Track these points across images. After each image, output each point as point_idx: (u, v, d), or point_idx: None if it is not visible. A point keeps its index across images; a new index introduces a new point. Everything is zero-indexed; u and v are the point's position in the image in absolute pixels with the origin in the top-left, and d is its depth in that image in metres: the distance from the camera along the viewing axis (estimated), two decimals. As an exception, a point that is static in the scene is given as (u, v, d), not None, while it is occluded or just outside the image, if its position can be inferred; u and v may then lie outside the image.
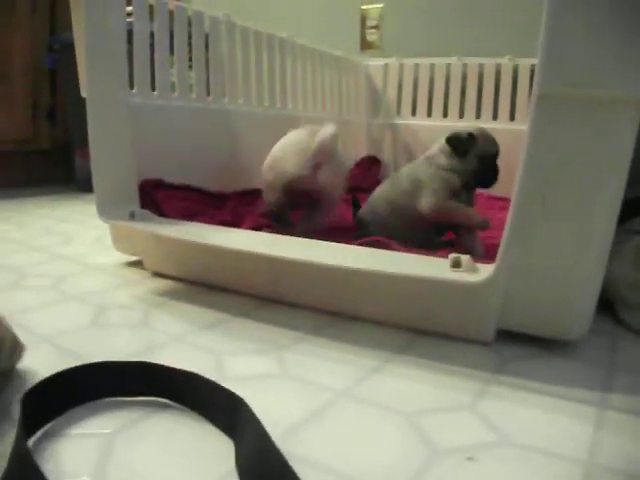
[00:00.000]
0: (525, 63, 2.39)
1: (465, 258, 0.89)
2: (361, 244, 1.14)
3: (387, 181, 1.48)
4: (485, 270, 0.87)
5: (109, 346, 0.91)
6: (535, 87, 0.78)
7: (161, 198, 1.38)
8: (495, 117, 2.47)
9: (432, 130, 2.51)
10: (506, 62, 2.42)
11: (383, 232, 1.31)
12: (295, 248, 1.03)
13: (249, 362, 0.86)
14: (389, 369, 0.85)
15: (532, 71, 2.37)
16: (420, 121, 2.59)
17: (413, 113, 2.62)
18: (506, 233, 0.85)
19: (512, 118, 2.43)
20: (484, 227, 1.26)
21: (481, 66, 2.47)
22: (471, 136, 1.29)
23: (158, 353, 0.89)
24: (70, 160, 2.88)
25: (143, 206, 1.29)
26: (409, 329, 1.00)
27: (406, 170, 1.41)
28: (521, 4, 2.48)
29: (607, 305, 1.07)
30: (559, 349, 0.92)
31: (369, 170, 2.49)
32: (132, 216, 1.16)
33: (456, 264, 0.89)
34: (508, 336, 0.95)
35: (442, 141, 1.35)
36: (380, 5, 2.78)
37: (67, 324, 0.99)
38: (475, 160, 1.28)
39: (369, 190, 2.19)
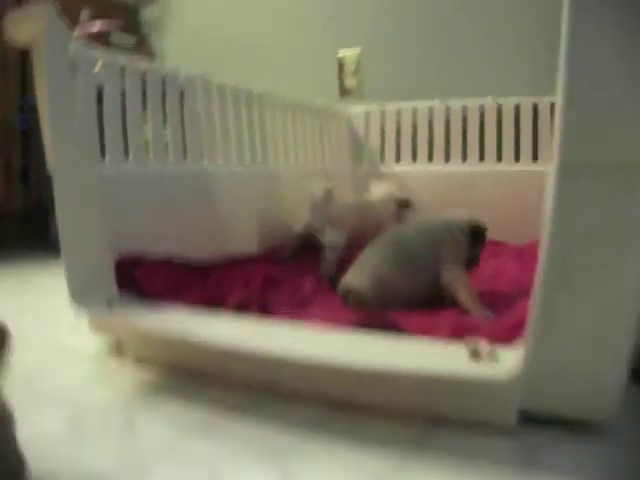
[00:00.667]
0: (509, 102, 2.35)
1: (484, 347, 0.80)
2: (366, 323, 1.04)
3: (384, 242, 1.41)
4: (507, 358, 0.78)
5: (89, 464, 0.80)
6: (556, 158, 0.71)
7: (141, 276, 1.27)
8: (482, 158, 2.41)
9: (417, 176, 2.45)
10: (490, 102, 2.37)
11: (384, 296, 1.26)
12: (286, 339, 0.93)
13: (249, 476, 0.76)
14: (407, 473, 0.75)
15: (516, 110, 2.32)
16: (405, 167, 2.52)
17: (397, 159, 2.55)
18: (531, 322, 0.76)
19: (499, 159, 2.38)
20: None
21: (464, 108, 2.42)
22: (486, 229, 1.40)
23: (146, 471, 0.78)
24: (45, 223, 2.76)
25: (122, 285, 1.19)
26: (423, 419, 0.90)
27: (417, 228, 1.40)
28: (501, 41, 2.46)
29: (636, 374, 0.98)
30: (587, 429, 0.83)
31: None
32: (110, 303, 1.06)
33: (475, 354, 0.80)
34: (531, 418, 0.85)
35: (462, 221, 1.39)
36: (357, 50, 2.74)
37: (40, 434, 0.88)
38: (478, 249, 1.37)
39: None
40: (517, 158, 2.36)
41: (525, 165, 2.34)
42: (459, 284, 1.30)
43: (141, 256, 1.33)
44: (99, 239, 1.13)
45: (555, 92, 0.73)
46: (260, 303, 1.24)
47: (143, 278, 1.27)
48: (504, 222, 2.23)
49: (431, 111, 2.47)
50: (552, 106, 2.30)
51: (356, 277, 1.36)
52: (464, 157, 2.43)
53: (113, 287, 1.14)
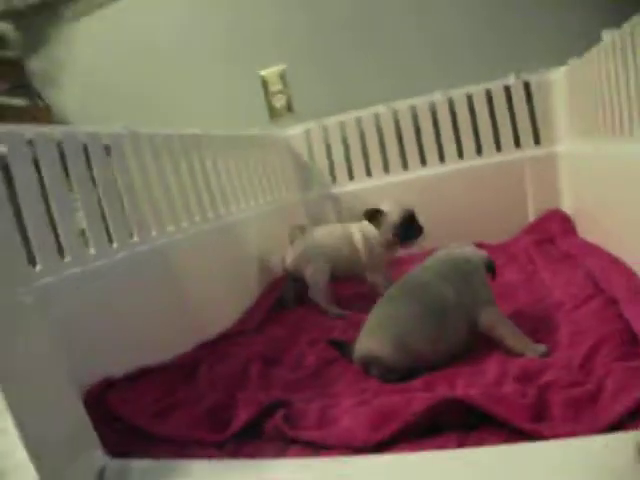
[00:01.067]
0: (459, 94, 2.14)
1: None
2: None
3: (404, 292, 1.18)
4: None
5: None
6: None
7: (118, 404, 0.98)
8: (442, 159, 2.20)
9: (375, 190, 2.21)
10: (439, 97, 2.16)
11: (410, 361, 1.08)
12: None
13: None
14: None
15: (469, 101, 2.12)
16: (360, 184, 2.28)
17: (350, 177, 2.31)
18: None
19: (460, 155, 2.17)
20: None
21: (413, 108, 2.19)
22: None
23: None
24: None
25: (99, 423, 0.88)
26: None
27: (439, 271, 1.19)
28: (437, 33, 2.26)
29: None
30: None
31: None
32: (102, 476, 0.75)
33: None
34: None
35: (478, 255, 1.24)
36: (281, 67, 2.48)
37: None
38: None
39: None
40: (479, 151, 2.16)
41: (489, 157, 2.14)
42: (502, 326, 1.11)
43: (110, 379, 1.03)
44: (56, 382, 0.81)
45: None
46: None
47: (121, 406, 0.98)
48: (475, 221, 2.05)
49: (377, 118, 2.23)
50: (507, 89, 2.11)
51: (376, 341, 1.11)
52: (422, 161, 2.21)
53: (94, 441, 0.82)
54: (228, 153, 1.79)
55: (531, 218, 2.10)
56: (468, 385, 0.96)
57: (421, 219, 1.65)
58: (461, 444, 0.78)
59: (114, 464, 0.77)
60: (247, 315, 1.58)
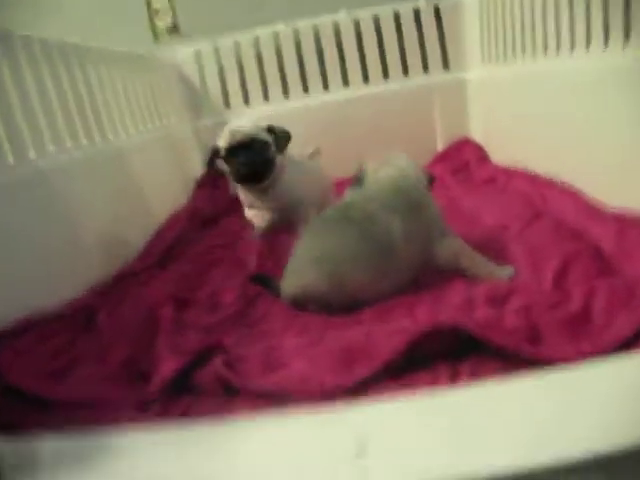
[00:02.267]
0: (366, 15, 1.99)
1: None
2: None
3: (338, 223, 1.02)
4: None
5: None
6: None
7: (3, 366, 0.77)
8: (346, 83, 2.04)
9: (273, 116, 2.02)
10: (344, 17, 1.99)
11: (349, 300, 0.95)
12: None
13: None
14: None
15: (376, 23, 1.97)
16: (256, 109, 2.08)
17: (246, 101, 2.10)
18: None
19: (365, 79, 2.03)
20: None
21: (315, 27, 2.01)
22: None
23: None
24: None
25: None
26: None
27: (381, 199, 1.02)
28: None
29: None
30: None
31: (215, 187, 1.94)
32: None
33: None
34: None
35: (418, 170, 1.13)
36: (164, -20, 2.20)
37: None
38: None
39: (222, 214, 1.73)
40: (385, 75, 2.02)
41: (396, 82, 2.02)
42: (466, 256, 0.99)
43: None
44: None
45: None
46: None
47: (9, 366, 0.77)
48: (382, 149, 1.92)
49: (276, 37, 2.03)
50: (416, 12, 1.98)
51: (309, 278, 0.97)
52: (325, 85, 2.04)
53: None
54: (113, 72, 1.54)
55: (439, 146, 2.02)
56: (432, 313, 0.84)
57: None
58: (454, 378, 0.65)
59: (9, 448, 0.57)
60: (146, 251, 1.37)
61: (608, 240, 0.93)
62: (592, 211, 1.07)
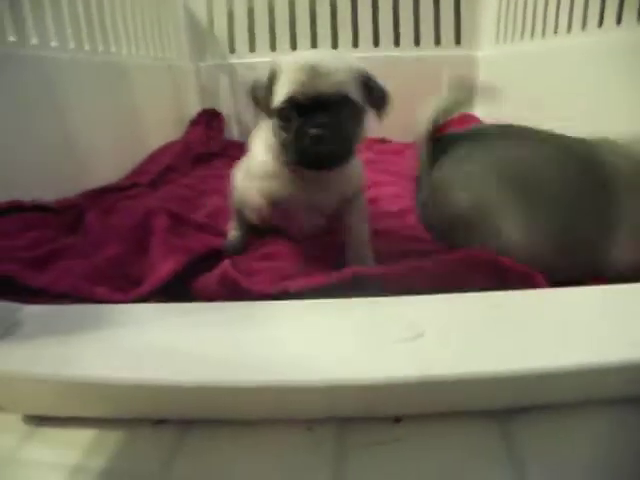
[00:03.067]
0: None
1: None
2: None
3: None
4: None
5: None
6: None
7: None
8: (356, 44, 1.99)
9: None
10: (363, -25, 1.94)
11: None
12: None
13: None
14: None
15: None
16: (262, 57, 2.00)
17: (252, 48, 2.03)
18: None
19: (376, 43, 1.98)
20: None
21: (334, -21, 1.95)
22: None
23: None
24: None
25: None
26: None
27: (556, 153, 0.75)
28: None
29: None
30: None
31: (209, 128, 1.88)
32: None
33: None
34: None
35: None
36: None
37: None
38: None
39: (214, 156, 1.66)
40: (397, 43, 1.98)
41: (406, 50, 1.97)
42: None
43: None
44: None
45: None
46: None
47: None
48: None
49: (292, -15, 1.96)
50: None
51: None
52: (334, 43, 1.98)
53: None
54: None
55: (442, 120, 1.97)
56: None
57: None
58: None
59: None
60: (137, 170, 1.31)
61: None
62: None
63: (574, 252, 0.71)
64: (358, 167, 0.87)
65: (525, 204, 0.71)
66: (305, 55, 0.76)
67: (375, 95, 0.78)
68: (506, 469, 0.44)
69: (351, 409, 0.46)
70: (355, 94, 0.74)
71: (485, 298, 0.52)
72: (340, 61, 0.75)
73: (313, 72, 0.71)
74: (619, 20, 1.11)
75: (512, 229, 0.71)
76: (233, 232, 0.95)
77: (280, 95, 0.73)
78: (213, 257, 0.77)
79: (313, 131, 0.71)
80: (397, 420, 0.49)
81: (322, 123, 0.71)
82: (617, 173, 0.71)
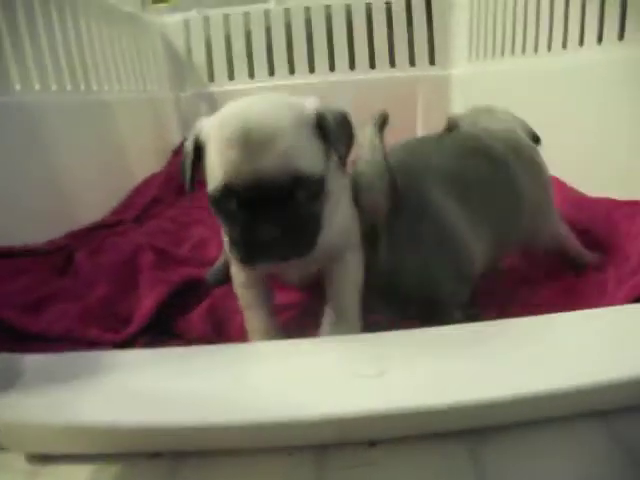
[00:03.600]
0: (358, 2, 1.98)
1: None
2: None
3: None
4: None
5: None
6: None
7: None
8: (332, 68, 2.04)
9: (257, 93, 1.99)
10: (336, 2, 1.99)
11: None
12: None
13: None
14: None
15: (368, 10, 1.97)
16: (241, 85, 2.06)
17: (231, 77, 2.08)
18: None
19: (352, 67, 2.03)
20: None
21: (307, 10, 2.00)
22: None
23: None
24: None
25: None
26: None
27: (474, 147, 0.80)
28: None
29: None
30: None
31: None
32: None
33: None
34: None
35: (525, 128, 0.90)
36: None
37: None
38: None
39: (201, 184, 1.67)
40: (372, 65, 2.03)
41: (381, 71, 2.02)
42: (571, 239, 0.88)
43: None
44: None
45: None
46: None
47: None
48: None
49: (267, 15, 2.01)
50: (408, 4, 1.98)
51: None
52: (311, 68, 2.04)
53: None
54: (102, 25, 1.51)
55: (418, 140, 2.03)
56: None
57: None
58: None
59: None
60: (122, 206, 1.34)
61: (596, 223, 0.94)
62: (578, 198, 1.08)
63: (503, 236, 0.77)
64: (345, 219, 0.70)
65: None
66: (234, 114, 0.61)
67: (333, 133, 0.63)
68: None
69: (327, 437, 0.50)
70: (309, 159, 0.60)
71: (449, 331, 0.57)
72: (280, 112, 0.61)
73: (247, 145, 0.57)
74: (600, 39, 1.15)
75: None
76: (219, 261, 0.92)
77: (212, 180, 0.59)
78: (195, 288, 0.80)
79: (263, 235, 0.57)
80: (372, 444, 0.53)
81: (272, 219, 0.57)
82: (502, 155, 0.79)
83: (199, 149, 0.62)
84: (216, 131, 0.60)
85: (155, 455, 0.55)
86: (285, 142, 0.57)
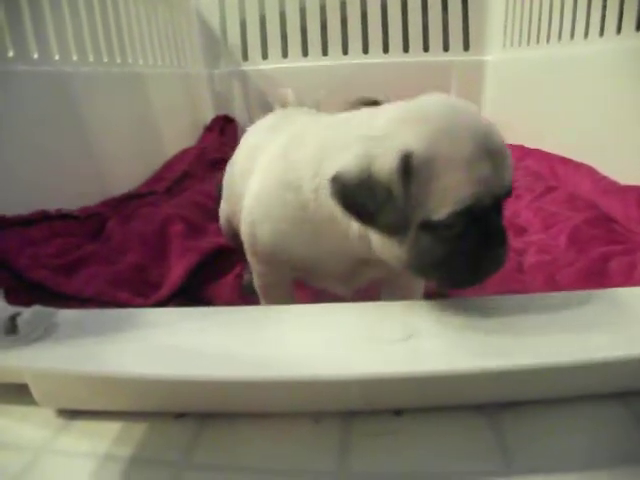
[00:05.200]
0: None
1: None
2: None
3: None
4: None
5: None
6: None
7: (9, 251, 0.76)
8: (366, 51, 2.03)
9: (291, 73, 2.00)
10: (372, -16, 1.98)
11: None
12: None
13: None
14: None
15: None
16: (274, 64, 2.06)
17: (264, 56, 2.08)
18: None
19: (385, 50, 2.02)
20: None
21: (343, -10, 1.99)
22: None
23: None
24: None
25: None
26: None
27: None
28: None
29: None
30: None
31: (223, 134, 1.93)
32: (12, 328, 0.54)
33: None
34: None
35: None
36: None
37: None
38: None
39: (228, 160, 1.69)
40: (406, 49, 2.02)
41: (415, 55, 2.01)
42: None
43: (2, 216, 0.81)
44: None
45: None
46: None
47: (16, 254, 0.76)
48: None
49: (302, -4, 2.01)
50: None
51: None
52: (344, 49, 2.03)
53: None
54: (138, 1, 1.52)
55: (451, 125, 2.01)
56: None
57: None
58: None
59: (29, 312, 0.56)
60: (154, 177, 1.36)
61: (626, 210, 0.94)
62: (608, 185, 1.07)
63: None
64: None
65: None
66: (460, 126, 0.52)
67: None
68: (495, 457, 0.49)
69: (352, 400, 0.51)
70: None
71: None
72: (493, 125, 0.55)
73: (498, 159, 0.52)
74: (638, 26, 1.14)
75: None
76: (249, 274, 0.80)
77: (447, 201, 0.51)
78: (224, 257, 0.81)
79: (500, 250, 0.53)
80: (397, 413, 0.54)
81: (502, 230, 0.54)
82: None
83: (410, 175, 0.51)
84: (449, 148, 0.51)
85: (181, 415, 0.57)
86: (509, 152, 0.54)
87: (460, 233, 0.51)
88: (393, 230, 0.52)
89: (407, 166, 0.50)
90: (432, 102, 0.57)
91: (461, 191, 0.50)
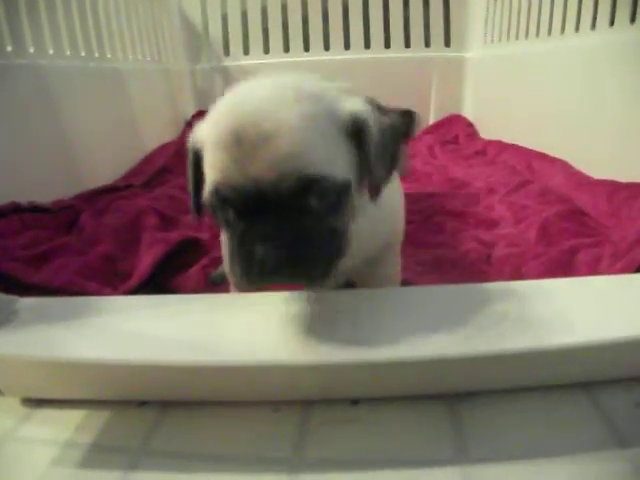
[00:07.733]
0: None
1: None
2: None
3: None
4: None
5: None
6: None
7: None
8: (347, 46, 2.04)
9: (272, 69, 1.99)
10: (354, -21, 1.98)
11: None
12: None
13: None
14: None
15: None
16: (256, 60, 2.06)
17: (246, 51, 2.08)
18: None
19: (367, 46, 2.03)
20: None
21: (326, -15, 2.00)
22: None
23: None
24: None
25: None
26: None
27: None
28: None
29: None
30: None
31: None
32: None
33: None
34: None
35: None
36: None
37: None
38: None
39: None
40: (387, 45, 2.02)
41: (396, 51, 2.01)
42: None
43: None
44: None
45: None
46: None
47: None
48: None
49: (284, -9, 2.01)
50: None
51: None
52: (326, 45, 2.03)
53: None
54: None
55: (431, 120, 2.03)
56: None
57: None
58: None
59: None
60: (132, 171, 1.36)
61: (596, 203, 0.95)
62: (581, 179, 1.09)
63: None
64: (393, 212, 0.62)
65: None
66: (229, 107, 0.50)
67: (375, 147, 0.50)
68: (450, 445, 0.50)
69: (308, 390, 0.51)
70: (325, 161, 0.48)
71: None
72: (284, 103, 0.48)
73: (240, 145, 0.46)
74: (612, 22, 1.15)
75: None
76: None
77: (206, 186, 0.49)
78: (192, 249, 0.81)
79: (259, 252, 0.46)
80: (354, 402, 0.55)
81: (276, 232, 0.47)
82: None
83: (198, 154, 0.52)
84: (211, 129, 0.50)
85: (143, 403, 0.57)
86: (287, 140, 0.46)
87: (232, 223, 0.49)
88: (194, 215, 0.56)
89: (197, 148, 0.53)
90: (247, 84, 0.55)
91: (209, 176, 0.49)
